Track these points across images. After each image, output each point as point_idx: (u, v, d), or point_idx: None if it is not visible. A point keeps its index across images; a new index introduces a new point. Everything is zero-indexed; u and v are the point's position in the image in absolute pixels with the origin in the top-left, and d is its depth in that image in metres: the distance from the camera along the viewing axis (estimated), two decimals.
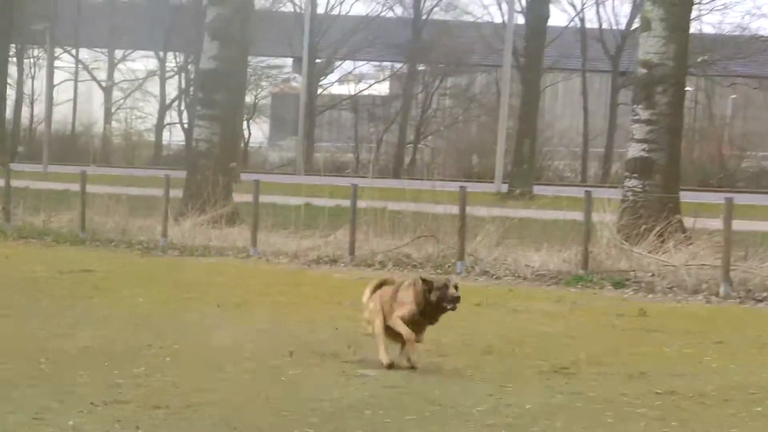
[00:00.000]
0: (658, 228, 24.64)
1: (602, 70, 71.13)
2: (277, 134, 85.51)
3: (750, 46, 70.68)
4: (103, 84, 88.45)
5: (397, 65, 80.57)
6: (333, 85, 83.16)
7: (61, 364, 13.57)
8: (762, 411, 12.01)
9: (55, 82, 77.55)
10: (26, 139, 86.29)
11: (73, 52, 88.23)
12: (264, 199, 30.12)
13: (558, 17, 62.09)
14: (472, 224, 26.20)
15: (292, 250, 27.40)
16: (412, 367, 13.59)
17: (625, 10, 69.38)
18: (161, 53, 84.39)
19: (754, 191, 49.64)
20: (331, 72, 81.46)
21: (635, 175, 26.37)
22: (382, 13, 78.41)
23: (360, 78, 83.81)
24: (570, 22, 71.92)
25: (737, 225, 22.98)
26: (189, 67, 73.42)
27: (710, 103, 74.01)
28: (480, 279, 23.94)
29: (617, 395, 12.58)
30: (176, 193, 32.24)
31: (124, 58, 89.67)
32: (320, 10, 76.82)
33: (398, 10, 78.02)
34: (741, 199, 27.65)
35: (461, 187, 27.20)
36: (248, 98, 75.75)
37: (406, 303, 13.30)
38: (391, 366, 13.52)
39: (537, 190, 48.49)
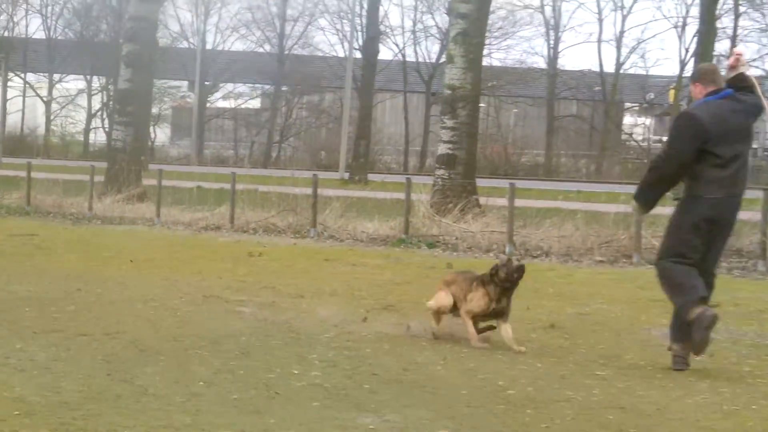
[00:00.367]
0: (460, 205, 24.83)
1: (419, 91, 71.49)
2: (176, 136, 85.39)
3: (527, 75, 71.62)
4: (45, 99, 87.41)
5: (266, 86, 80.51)
6: (218, 101, 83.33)
7: (10, 303, 13.33)
8: (532, 330, 12.05)
9: (9, 97, 76.56)
10: None
11: (22, 75, 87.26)
12: (165, 183, 30.18)
13: (386, 53, 63.01)
14: (321, 201, 26.16)
15: (186, 220, 27.38)
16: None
17: (435, 48, 69.44)
18: (89, 76, 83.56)
19: (530, 179, 50.18)
20: (217, 91, 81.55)
21: (443, 166, 26.55)
22: (255, 49, 78.40)
23: (238, 95, 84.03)
24: (395, 56, 72.23)
25: (518, 203, 23.15)
26: (109, 86, 72.90)
27: (498, 115, 74.96)
28: (328, 241, 23.86)
29: (429, 325, 12.50)
30: (99, 178, 32.09)
31: (60, 80, 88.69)
32: (209, 46, 76.86)
33: (267, 47, 77.97)
34: (520, 184, 27.88)
35: (314, 174, 27.38)
36: (154, 110, 76.56)
37: (475, 299, 11.65)
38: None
39: (370, 177, 48.71)
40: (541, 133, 71.76)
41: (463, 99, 26.52)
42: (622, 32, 70.58)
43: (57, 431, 7.69)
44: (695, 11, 60.10)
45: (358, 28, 61.19)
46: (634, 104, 75.74)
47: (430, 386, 9.44)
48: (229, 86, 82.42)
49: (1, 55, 67.33)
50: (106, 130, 79.16)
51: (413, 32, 72.41)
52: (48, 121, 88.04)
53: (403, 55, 72.97)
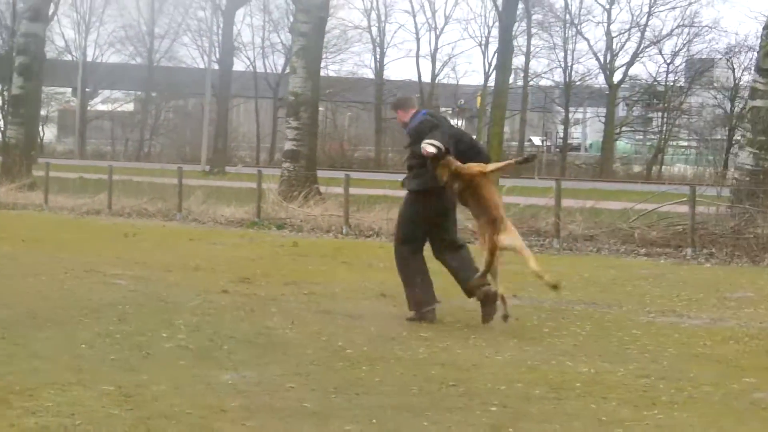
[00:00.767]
0: (303, 192, 24.71)
1: (268, 97, 71.08)
2: (62, 134, 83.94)
3: (358, 84, 71.87)
4: None
5: (138, 93, 79.75)
6: (98, 104, 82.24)
7: None
8: (366, 299, 12.01)
9: None
10: None
11: None
12: (53, 174, 29.63)
13: (239, 65, 62.87)
14: (186, 190, 25.85)
15: (70, 206, 26.94)
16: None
17: (281, 60, 69.19)
18: None
19: (363, 171, 50.34)
20: (97, 96, 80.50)
21: (289, 160, 26.49)
22: (129, 61, 77.53)
23: (115, 100, 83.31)
24: (247, 67, 71.87)
25: (353, 191, 23.11)
26: (4, 93, 71.29)
27: (334, 117, 75.09)
28: (192, 224, 23.60)
29: (279, 295, 12.43)
30: None
31: None
32: (89, 58, 75.88)
33: (138, 60, 77.19)
34: (355, 175, 27.92)
35: (179, 167, 27.21)
36: (43, 112, 75.51)
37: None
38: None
39: (228, 169, 48.42)
40: (371, 132, 71.93)
41: (305, 104, 26.54)
42: (436, 49, 70.83)
43: None
44: (495, 32, 60.65)
45: (216, 44, 60.70)
46: (448, 108, 76.39)
47: (280, 347, 9.34)
48: (107, 92, 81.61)
49: None
50: (1, 129, 77.72)
51: (262, 47, 72.18)
52: None
53: (254, 67, 72.74)
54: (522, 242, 10.45)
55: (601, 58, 62.44)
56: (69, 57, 77.29)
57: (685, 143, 66.78)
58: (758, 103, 19.36)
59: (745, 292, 13.45)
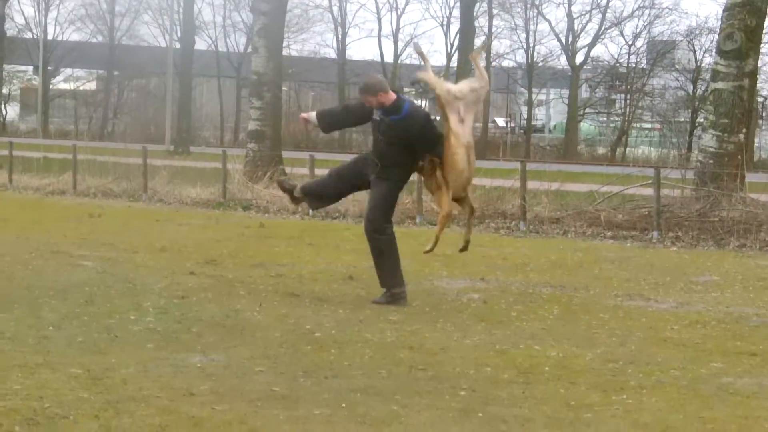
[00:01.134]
0: (269, 173, 24.67)
1: (230, 76, 70.83)
2: (24, 113, 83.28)
3: (320, 64, 71.87)
4: None
5: (101, 71, 79.25)
6: (60, 83, 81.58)
7: None
8: (334, 282, 11.99)
9: None
10: None
11: None
12: (16, 153, 29.59)
13: (201, 44, 62.60)
14: (151, 170, 25.80)
15: (35, 186, 26.85)
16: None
17: (243, 40, 68.95)
18: None
19: (328, 151, 50.27)
20: (59, 75, 79.92)
21: (253, 140, 26.56)
22: (90, 39, 76.98)
23: (77, 79, 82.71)
24: (209, 47, 71.53)
25: (318, 171, 22.95)
26: None
27: (298, 97, 74.93)
28: (158, 204, 23.52)
29: (246, 277, 12.39)
30: None
31: None
32: (50, 36, 75.27)
33: (99, 38, 76.62)
34: (319, 156, 27.93)
35: (143, 146, 27.08)
36: (5, 90, 75.57)
37: None
38: None
39: (192, 149, 48.22)
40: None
41: (268, 83, 26.56)
42: (397, 29, 70.84)
43: None
44: (457, 12, 60.64)
45: (177, 22, 60.36)
46: (410, 89, 76.40)
47: (248, 330, 9.32)
48: (69, 71, 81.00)
49: None
50: None
51: (224, 26, 71.93)
52: None
53: (216, 46, 72.47)
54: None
55: (563, 39, 62.62)
56: (29, 35, 76.75)
57: (649, 125, 67.05)
58: (720, 85, 19.43)
59: (711, 276, 13.54)
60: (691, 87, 60.24)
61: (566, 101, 63.86)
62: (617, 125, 64.80)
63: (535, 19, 64.21)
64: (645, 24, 62.55)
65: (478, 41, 50.84)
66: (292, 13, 61.48)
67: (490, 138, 64.64)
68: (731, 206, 18.19)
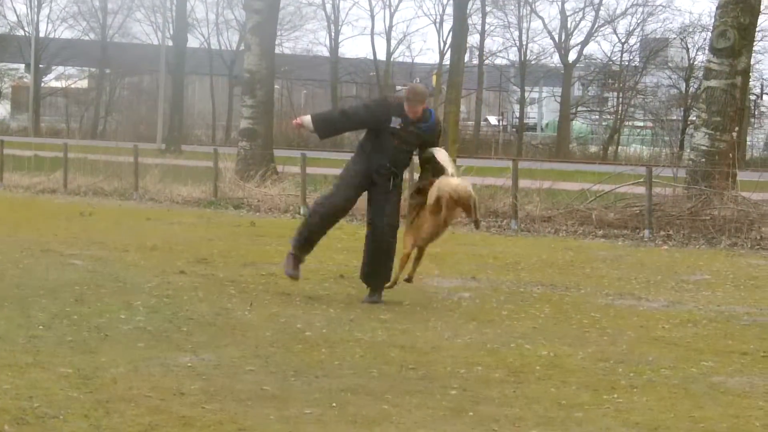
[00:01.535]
0: (260, 172, 24.72)
1: (223, 74, 70.78)
2: (15, 111, 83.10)
3: (313, 61, 71.86)
4: None
5: (92, 69, 79.08)
6: (51, 81, 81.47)
7: None
8: (325, 281, 11.98)
9: None
10: None
11: None
12: (7, 152, 29.61)
13: (193, 41, 62.37)
14: (142, 168, 25.83)
15: (26, 184, 26.91)
16: None
17: (235, 38, 68.89)
18: None
19: (319, 150, 50.12)
20: (50, 72, 79.82)
21: (245, 139, 26.56)
22: (82, 37, 76.83)
23: (69, 77, 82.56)
24: (201, 44, 71.47)
25: (309, 170, 23.16)
26: None
27: (290, 95, 74.82)
28: (149, 203, 23.54)
29: (237, 276, 12.40)
30: None
31: None
32: (42, 34, 75.15)
33: (92, 36, 76.48)
34: (311, 154, 27.82)
35: (135, 145, 27.10)
36: None
37: None
38: None
39: (184, 147, 48.11)
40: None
41: (260, 81, 26.56)
42: (390, 26, 70.84)
43: None
44: (450, 10, 60.55)
45: (169, 20, 60.36)
46: (403, 87, 76.41)
47: (239, 329, 9.32)
48: (61, 69, 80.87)
49: None
50: None
51: (216, 24, 71.90)
52: None
53: (209, 44, 72.38)
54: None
55: (556, 37, 62.66)
56: (21, 32, 76.61)
57: (641, 124, 67.12)
58: (713, 83, 19.46)
59: (702, 275, 13.56)
60: (684, 85, 60.34)
61: (558, 99, 63.89)
62: (609, 123, 64.87)
63: (528, 16, 64.36)
64: (638, 22, 62.70)
65: (471, 39, 50.95)
66: (285, 11, 61.47)
67: (482, 136, 64.72)
68: (723, 205, 18.22)
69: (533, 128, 75.85)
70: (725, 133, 19.23)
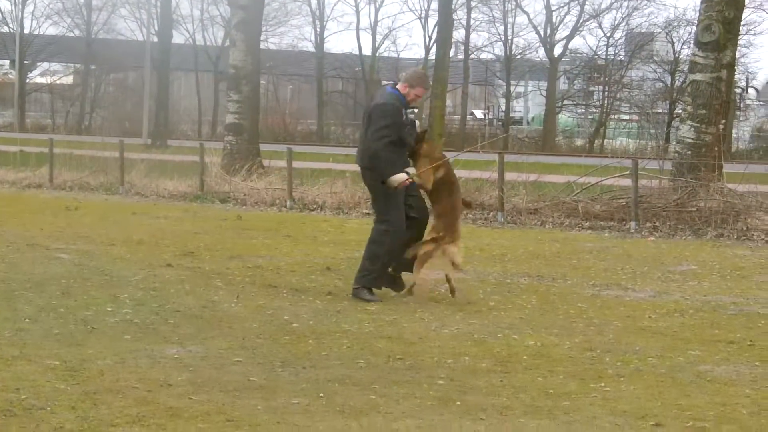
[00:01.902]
0: (246, 166, 24.68)
1: (208, 70, 70.68)
2: (0, 107, 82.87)
3: (298, 57, 71.94)
4: None
5: (77, 65, 78.92)
6: (36, 77, 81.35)
7: None
8: (311, 273, 11.98)
9: None
10: None
11: None
12: None
13: (179, 37, 62.19)
14: (128, 163, 25.76)
15: (11, 180, 26.79)
16: None
17: (220, 33, 68.84)
18: None
19: (305, 144, 50.23)
20: (35, 69, 79.73)
21: (231, 133, 26.57)
22: (67, 33, 76.65)
23: (54, 73, 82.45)
24: (186, 40, 71.33)
25: (295, 164, 23.09)
26: None
27: (276, 90, 74.79)
28: (135, 198, 23.50)
29: (224, 269, 12.39)
30: None
31: None
32: (26, 30, 74.95)
33: (76, 32, 76.26)
34: (297, 148, 27.89)
35: (120, 140, 27.02)
36: None
37: None
38: None
39: (169, 142, 47.97)
40: (313, 105, 71.64)
41: (246, 77, 26.58)
42: (376, 22, 70.74)
43: None
44: (435, 5, 60.59)
45: (154, 16, 60.23)
46: (389, 82, 76.34)
47: (226, 321, 9.32)
48: (46, 65, 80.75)
49: None
50: None
51: (201, 20, 71.80)
52: None
53: (194, 40, 72.26)
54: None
55: (542, 32, 62.64)
56: (5, 29, 76.44)
57: (627, 117, 67.20)
58: (698, 76, 19.48)
59: (688, 265, 13.59)
60: (669, 79, 60.42)
61: (544, 93, 63.92)
62: (595, 117, 64.92)
63: (513, 11, 64.29)
64: (623, 16, 62.70)
65: (457, 33, 50.96)
66: (270, 7, 61.43)
67: (468, 130, 64.69)
68: (709, 196, 18.25)
69: (519, 122, 75.91)
70: (711, 126, 19.26)
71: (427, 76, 10.98)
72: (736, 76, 45.26)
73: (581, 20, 62.37)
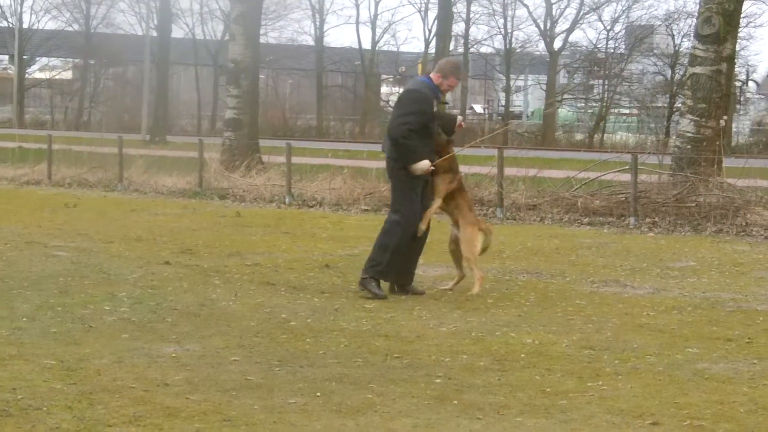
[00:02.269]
0: (245, 162, 24.67)
1: (207, 64, 70.64)
2: None
3: (298, 51, 71.90)
4: None
5: (77, 60, 78.88)
6: (35, 72, 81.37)
7: None
8: (309, 270, 11.99)
9: None
10: None
11: None
12: None
13: (178, 31, 62.20)
14: (127, 159, 25.77)
15: (10, 176, 26.80)
16: None
17: (220, 27, 68.75)
18: None
19: (305, 139, 50.17)
20: (34, 64, 79.76)
21: (230, 129, 26.49)
22: (66, 28, 76.63)
23: (53, 68, 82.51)
24: (186, 34, 71.32)
25: (295, 160, 23.12)
26: None
27: (275, 85, 74.86)
28: (133, 194, 23.49)
29: (222, 266, 12.40)
30: None
31: None
32: (25, 25, 74.99)
33: (75, 26, 76.23)
34: (296, 144, 27.82)
35: (119, 136, 27.06)
36: None
37: None
38: None
39: (169, 138, 47.98)
40: (313, 100, 71.69)
41: (245, 71, 26.50)
42: (375, 15, 70.85)
43: None
44: None
45: (153, 10, 60.23)
46: (389, 76, 76.37)
47: (224, 319, 9.32)
48: (45, 60, 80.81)
49: None
50: None
51: (200, 14, 71.77)
52: None
53: (193, 34, 72.24)
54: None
55: (541, 25, 62.66)
56: (4, 23, 76.40)
57: (627, 111, 67.17)
58: (698, 69, 19.46)
59: (687, 262, 13.59)
60: (670, 72, 60.41)
61: (544, 87, 63.91)
62: (595, 111, 64.91)
63: (513, 4, 64.34)
64: (623, 9, 63.01)
65: (456, 27, 50.95)
66: (269, 0, 61.35)
67: (468, 124, 64.62)
68: (708, 191, 18.25)
69: (519, 116, 75.90)
70: (711, 120, 19.24)
71: (462, 66, 10.90)
72: (736, 69, 45.23)
73: (581, 13, 62.44)
